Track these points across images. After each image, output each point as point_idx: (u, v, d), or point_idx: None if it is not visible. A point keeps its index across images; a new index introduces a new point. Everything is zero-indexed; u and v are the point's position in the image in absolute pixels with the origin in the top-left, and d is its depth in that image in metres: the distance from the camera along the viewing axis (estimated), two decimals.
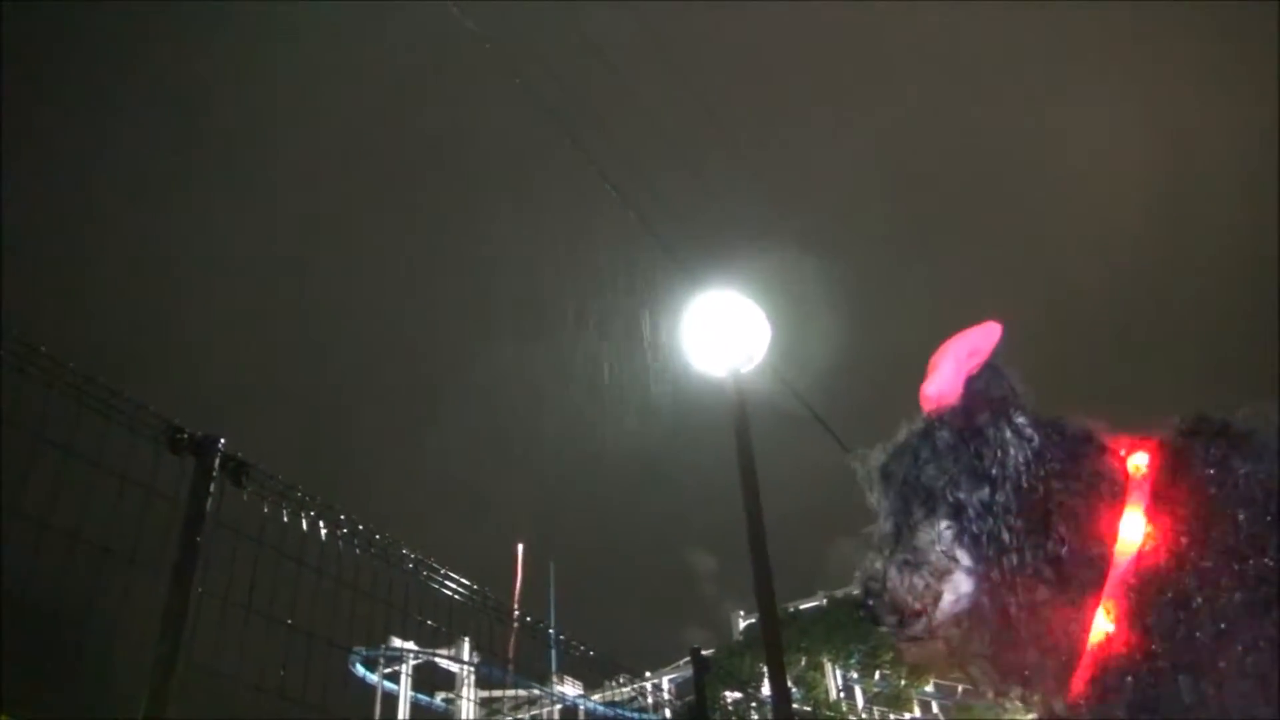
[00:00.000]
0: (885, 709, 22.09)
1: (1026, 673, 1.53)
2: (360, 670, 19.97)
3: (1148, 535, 1.49)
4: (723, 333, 8.03)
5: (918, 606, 1.59)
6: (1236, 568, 1.39)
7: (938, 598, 1.59)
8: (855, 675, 21.98)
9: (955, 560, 1.59)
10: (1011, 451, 1.59)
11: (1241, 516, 1.43)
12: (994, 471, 1.59)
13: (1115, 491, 1.55)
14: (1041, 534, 1.52)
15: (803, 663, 20.72)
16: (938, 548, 1.60)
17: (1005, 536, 1.54)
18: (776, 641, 7.06)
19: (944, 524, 1.61)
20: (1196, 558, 1.42)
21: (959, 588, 1.60)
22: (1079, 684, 1.47)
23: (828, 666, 21.17)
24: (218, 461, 3.37)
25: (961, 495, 1.59)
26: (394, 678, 21.15)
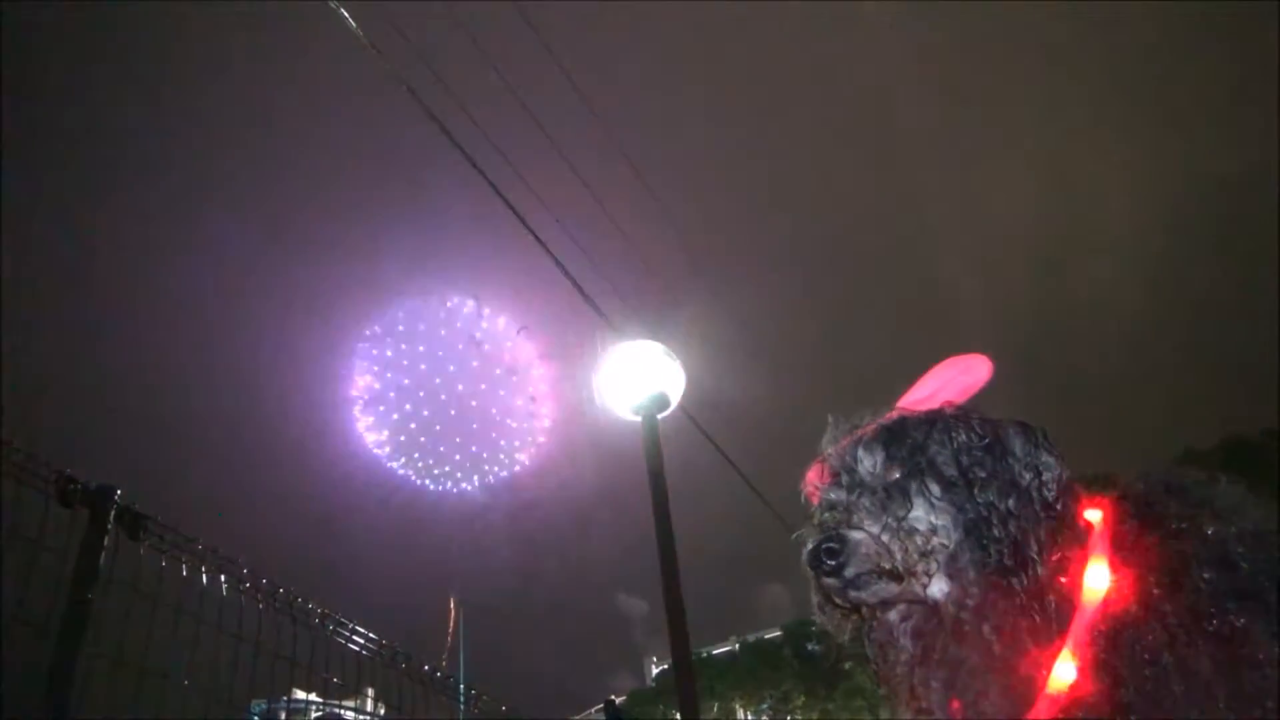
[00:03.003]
0: None
1: (980, 708, 1.48)
2: None
3: (1114, 586, 1.49)
4: (639, 379, 8.06)
5: (887, 567, 1.54)
6: (1205, 627, 1.40)
7: (912, 569, 1.54)
8: None
9: (945, 545, 1.55)
10: (1018, 470, 1.58)
11: (1207, 576, 1.44)
12: (1003, 480, 1.57)
13: (1081, 539, 1.56)
14: (1022, 564, 1.50)
15: (715, 709, 20.65)
16: (931, 521, 1.56)
17: (993, 551, 1.51)
18: (691, 690, 7.01)
19: (943, 505, 1.57)
20: (1165, 614, 1.43)
21: (928, 588, 1.56)
22: None
23: (740, 713, 21.13)
24: (113, 513, 3.22)
25: (976, 491, 1.56)
26: None
